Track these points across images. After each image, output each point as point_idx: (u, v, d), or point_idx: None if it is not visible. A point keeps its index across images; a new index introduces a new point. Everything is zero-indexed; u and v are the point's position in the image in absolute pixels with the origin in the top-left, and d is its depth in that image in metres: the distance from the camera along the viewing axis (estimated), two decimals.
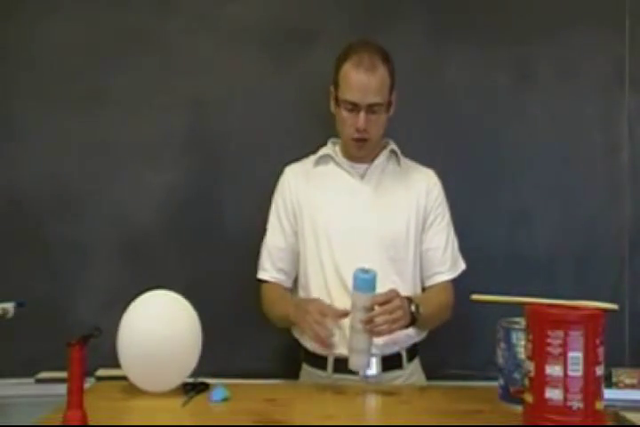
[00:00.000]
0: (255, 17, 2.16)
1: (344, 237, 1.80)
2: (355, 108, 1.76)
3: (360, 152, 1.84)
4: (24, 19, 2.13)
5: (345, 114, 1.78)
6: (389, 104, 1.80)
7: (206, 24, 2.15)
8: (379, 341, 1.70)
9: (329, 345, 1.66)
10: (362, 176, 1.85)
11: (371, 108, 1.75)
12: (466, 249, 1.94)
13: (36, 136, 2.14)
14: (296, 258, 1.88)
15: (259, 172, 1.94)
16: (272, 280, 1.89)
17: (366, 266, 1.62)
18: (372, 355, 1.70)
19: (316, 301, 1.72)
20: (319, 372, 1.81)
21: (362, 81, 1.74)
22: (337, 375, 1.78)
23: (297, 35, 2.15)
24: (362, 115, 1.75)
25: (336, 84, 1.80)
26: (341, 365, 1.75)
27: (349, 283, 1.65)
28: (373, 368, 1.75)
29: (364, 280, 1.61)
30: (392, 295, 1.64)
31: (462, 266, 1.89)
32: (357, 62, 1.75)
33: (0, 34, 2.13)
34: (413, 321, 1.69)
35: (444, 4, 2.17)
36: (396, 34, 2.11)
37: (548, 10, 2.16)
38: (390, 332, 1.63)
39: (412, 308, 1.69)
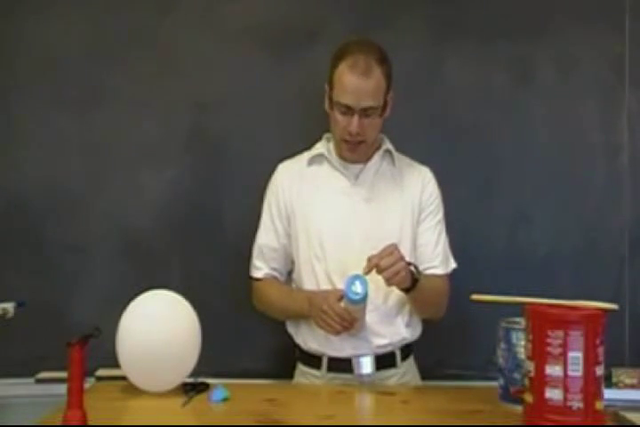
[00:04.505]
0: (255, 17, 2.15)
1: (337, 243, 1.79)
2: (348, 111, 1.73)
3: (353, 155, 1.82)
4: (23, 18, 2.13)
5: (338, 116, 1.76)
6: (385, 106, 1.78)
7: (206, 24, 2.15)
8: (375, 341, 1.75)
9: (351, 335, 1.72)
10: (356, 177, 1.84)
11: (365, 112, 1.73)
12: (466, 249, 1.94)
13: (35, 136, 2.14)
14: (289, 258, 1.88)
15: (259, 171, 1.93)
16: (267, 277, 1.89)
17: (358, 273, 1.62)
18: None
19: (329, 297, 1.69)
20: (313, 371, 1.82)
21: (356, 85, 1.71)
22: (331, 375, 1.79)
23: (297, 35, 2.15)
24: (355, 118, 1.73)
25: (331, 85, 1.78)
26: (335, 364, 1.77)
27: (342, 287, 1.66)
28: (368, 367, 1.75)
29: (355, 301, 1.62)
30: (391, 249, 1.63)
31: (453, 264, 1.87)
32: (352, 65, 1.71)
33: None
34: (414, 283, 1.69)
35: (443, 3, 2.17)
36: (395, 33, 2.11)
37: (548, 9, 2.16)
38: (396, 280, 1.63)
39: (412, 268, 1.69)
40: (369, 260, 1.62)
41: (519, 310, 1.43)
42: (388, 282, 1.64)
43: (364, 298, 1.63)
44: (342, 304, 1.66)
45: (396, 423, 1.48)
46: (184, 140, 2.16)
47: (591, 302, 1.39)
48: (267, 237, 1.88)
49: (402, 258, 1.64)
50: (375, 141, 1.84)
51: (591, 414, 1.31)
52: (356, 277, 1.62)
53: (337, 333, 1.69)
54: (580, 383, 1.31)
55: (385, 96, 1.76)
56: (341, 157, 1.85)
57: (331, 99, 1.78)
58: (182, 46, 2.15)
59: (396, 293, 1.75)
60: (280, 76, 2.15)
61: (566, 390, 1.31)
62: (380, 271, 1.61)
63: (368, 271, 1.61)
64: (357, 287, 1.61)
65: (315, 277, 1.80)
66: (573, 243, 2.14)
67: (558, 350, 1.31)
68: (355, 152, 1.81)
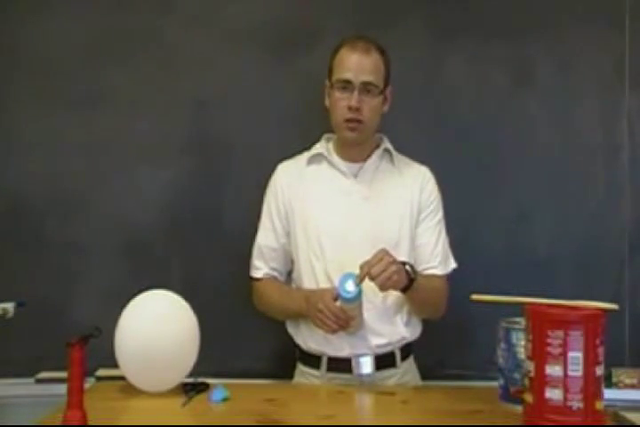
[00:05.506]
0: (255, 17, 2.15)
1: (336, 242, 1.79)
2: (348, 86, 1.76)
3: (353, 134, 1.79)
4: (22, 18, 2.13)
5: (338, 95, 1.77)
6: (383, 93, 1.79)
7: (206, 24, 2.15)
8: (374, 341, 1.75)
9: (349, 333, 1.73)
10: (355, 176, 1.84)
11: (365, 88, 1.75)
12: (466, 249, 1.94)
13: (35, 136, 2.13)
14: (288, 257, 1.88)
15: (259, 171, 1.94)
16: (267, 277, 1.90)
17: (352, 272, 1.62)
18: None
19: (324, 296, 1.70)
20: (313, 371, 1.82)
21: (356, 60, 1.76)
22: (330, 375, 1.79)
23: (297, 35, 2.15)
24: (355, 94, 1.75)
25: (330, 73, 1.81)
26: (335, 364, 1.77)
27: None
28: (367, 367, 1.75)
29: (348, 299, 1.63)
30: (381, 255, 1.62)
31: (453, 264, 1.87)
32: (352, 46, 1.78)
33: None
34: (410, 283, 1.69)
35: (443, 3, 2.17)
36: (396, 34, 2.11)
37: (548, 9, 2.16)
38: (390, 285, 1.63)
39: (407, 267, 1.69)
40: (360, 268, 1.62)
41: (519, 310, 1.43)
42: (381, 288, 1.64)
43: (358, 296, 1.63)
44: (338, 303, 1.66)
45: (396, 423, 1.48)
46: (184, 140, 2.16)
47: (591, 302, 1.38)
48: (266, 237, 1.89)
49: (393, 262, 1.63)
50: (374, 129, 1.84)
51: (591, 414, 1.31)
52: (350, 275, 1.62)
53: (333, 331, 1.69)
54: (579, 383, 1.30)
55: (384, 83, 1.79)
56: (341, 154, 1.85)
57: (331, 85, 1.80)
58: (182, 46, 2.15)
59: (394, 292, 1.74)
60: (280, 76, 2.15)
61: (566, 390, 1.31)
62: (371, 279, 1.61)
63: (362, 280, 1.61)
64: (350, 286, 1.61)
65: (314, 276, 1.80)
66: (573, 243, 2.14)
67: (558, 350, 1.31)
68: (355, 131, 1.79)
